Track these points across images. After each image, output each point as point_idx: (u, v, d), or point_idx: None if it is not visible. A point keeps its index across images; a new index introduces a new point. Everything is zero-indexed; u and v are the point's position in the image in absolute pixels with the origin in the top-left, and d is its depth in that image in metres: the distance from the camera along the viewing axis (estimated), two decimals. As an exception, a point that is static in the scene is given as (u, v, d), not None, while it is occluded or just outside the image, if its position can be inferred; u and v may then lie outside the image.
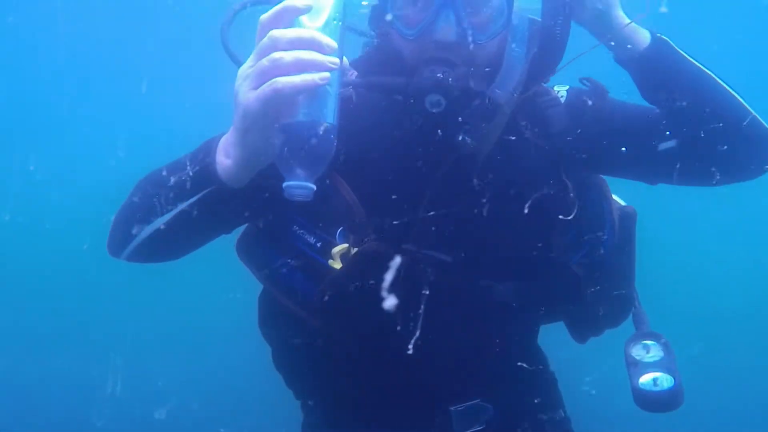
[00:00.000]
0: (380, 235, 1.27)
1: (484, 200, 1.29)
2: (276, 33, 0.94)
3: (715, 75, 1.33)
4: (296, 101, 0.95)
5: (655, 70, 1.32)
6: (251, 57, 0.97)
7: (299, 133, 0.95)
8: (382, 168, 1.30)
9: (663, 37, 1.34)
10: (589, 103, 1.37)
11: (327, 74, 0.94)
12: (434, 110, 1.17)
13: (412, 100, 1.18)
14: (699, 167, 1.35)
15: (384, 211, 1.28)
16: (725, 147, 1.30)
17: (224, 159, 1.09)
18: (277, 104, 0.94)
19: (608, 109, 1.39)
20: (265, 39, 0.95)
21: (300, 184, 0.96)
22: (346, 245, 1.26)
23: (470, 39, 1.19)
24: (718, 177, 1.35)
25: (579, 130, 1.36)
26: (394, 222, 1.28)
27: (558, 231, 1.36)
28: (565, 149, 1.36)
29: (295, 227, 1.32)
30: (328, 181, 1.27)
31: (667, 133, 1.33)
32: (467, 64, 1.20)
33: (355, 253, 1.25)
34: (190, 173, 1.14)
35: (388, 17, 1.23)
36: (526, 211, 1.30)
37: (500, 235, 1.33)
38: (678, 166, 1.33)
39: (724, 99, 1.32)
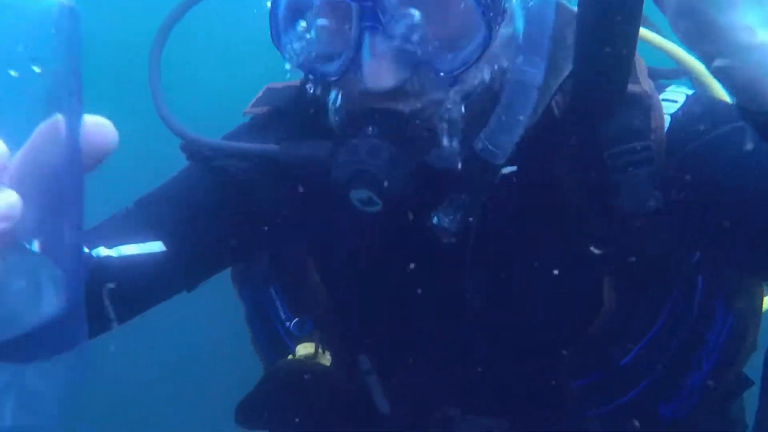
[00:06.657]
0: (341, 340, 1.02)
1: (472, 310, 0.92)
2: None
3: None
4: None
5: None
6: None
7: None
8: (347, 253, 0.96)
9: None
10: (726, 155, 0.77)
11: None
12: (368, 209, 0.77)
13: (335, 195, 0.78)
14: None
15: (351, 306, 0.98)
16: None
17: None
18: None
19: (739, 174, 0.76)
20: None
21: None
22: (311, 347, 1.03)
23: (419, 81, 0.73)
24: None
25: (676, 206, 0.78)
26: (355, 326, 0.99)
27: (566, 367, 0.92)
28: (636, 241, 0.81)
29: (272, 290, 1.07)
30: (299, 259, 1.00)
31: None
32: (428, 114, 0.75)
33: (298, 361, 1.03)
34: None
35: (295, 47, 0.78)
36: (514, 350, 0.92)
37: (491, 361, 0.95)
38: None
39: None
